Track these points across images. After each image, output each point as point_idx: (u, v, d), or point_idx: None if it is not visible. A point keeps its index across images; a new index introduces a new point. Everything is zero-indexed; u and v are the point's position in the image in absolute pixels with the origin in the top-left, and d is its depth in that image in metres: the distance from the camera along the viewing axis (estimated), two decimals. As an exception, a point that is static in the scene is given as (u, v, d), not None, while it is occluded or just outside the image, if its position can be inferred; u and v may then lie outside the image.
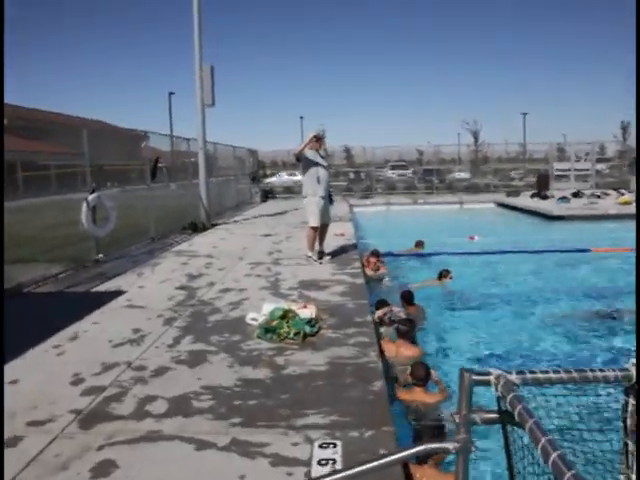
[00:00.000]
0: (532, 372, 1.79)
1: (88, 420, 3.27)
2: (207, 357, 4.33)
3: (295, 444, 2.92)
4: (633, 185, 23.99)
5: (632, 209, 17.21)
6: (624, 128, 44.53)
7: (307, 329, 4.74)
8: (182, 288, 6.84)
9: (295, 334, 4.68)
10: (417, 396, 4.33)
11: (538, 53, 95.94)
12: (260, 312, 5.24)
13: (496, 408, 1.83)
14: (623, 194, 20.50)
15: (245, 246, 10.19)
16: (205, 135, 13.78)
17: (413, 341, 5.44)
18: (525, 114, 48.75)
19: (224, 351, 4.47)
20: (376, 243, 12.11)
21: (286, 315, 4.91)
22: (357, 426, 3.10)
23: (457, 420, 1.82)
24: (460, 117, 79.33)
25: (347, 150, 40.76)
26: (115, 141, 13.48)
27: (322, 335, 4.82)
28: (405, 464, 2.85)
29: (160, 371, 4.05)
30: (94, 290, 6.91)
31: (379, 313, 5.89)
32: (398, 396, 4.40)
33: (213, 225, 13.75)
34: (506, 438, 1.80)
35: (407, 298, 7.00)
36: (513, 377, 1.75)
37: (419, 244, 11.70)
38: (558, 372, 1.79)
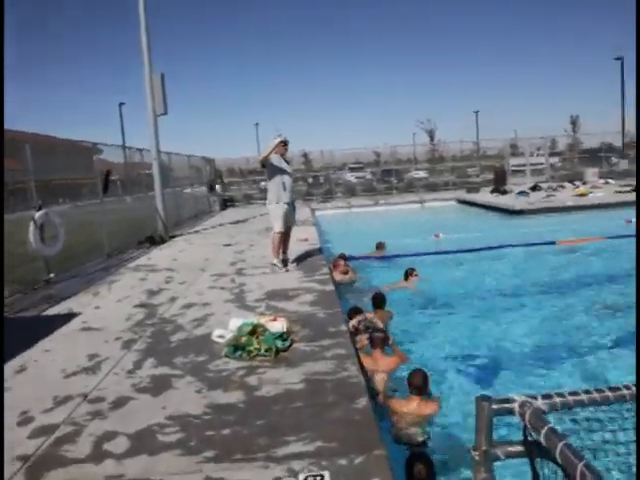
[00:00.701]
0: (560, 395, 1.52)
1: (37, 468, 2.86)
2: (172, 382, 3.96)
3: (277, 479, 2.59)
4: (586, 177, 24.60)
5: (588, 200, 17.58)
6: (573, 122, 45.78)
7: (279, 344, 4.42)
8: (142, 306, 6.41)
9: (266, 350, 4.34)
10: (414, 407, 4.02)
11: (487, 50, 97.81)
12: (227, 328, 4.88)
13: (521, 439, 1.56)
14: (578, 186, 20.93)
15: (207, 257, 9.77)
16: (158, 145, 13.27)
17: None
18: (477, 112, 49.59)
19: (190, 374, 4.09)
20: (341, 246, 11.86)
21: (255, 330, 4.57)
22: (345, 452, 2.80)
23: (476, 457, 1.54)
24: (414, 117, 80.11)
25: (305, 155, 40.51)
26: (64, 155, 12.82)
27: (295, 349, 4.50)
28: None
29: (120, 402, 3.66)
30: (45, 314, 6.40)
31: (353, 322, 5.60)
32: (390, 406, 4.11)
33: (172, 237, 13.23)
34: (535, 474, 1.53)
35: (378, 301, 6.73)
36: (539, 403, 1.48)
37: (380, 246, 11.47)
38: (589, 392, 1.52)
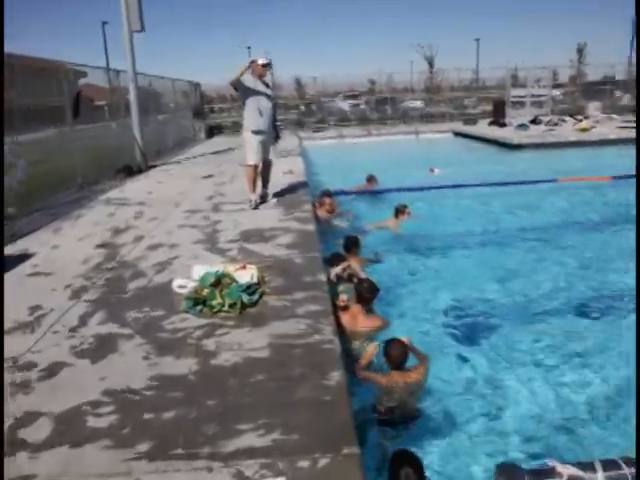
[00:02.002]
0: (629, 461, 0.97)
1: None
2: (118, 344, 3.41)
3: (219, 489, 2.08)
4: (588, 111, 23.59)
5: (591, 136, 16.78)
6: (580, 51, 43.49)
7: (245, 299, 3.85)
8: (103, 246, 5.81)
9: (230, 306, 3.79)
10: (397, 380, 3.50)
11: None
12: (190, 277, 4.32)
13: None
14: (580, 120, 20.01)
15: (183, 190, 9.09)
16: (135, 65, 12.21)
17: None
18: (478, 39, 47.26)
19: (141, 333, 3.54)
20: (329, 180, 11.21)
21: (220, 281, 4.01)
22: (308, 449, 2.28)
23: None
24: (412, 44, 76.67)
25: (297, 81, 38.82)
26: (32, 77, 11.72)
27: (264, 304, 3.95)
28: None
29: (53, 370, 3.11)
30: (-5, 254, 5.77)
31: (337, 270, 4.98)
32: (370, 380, 3.60)
33: (151, 167, 12.46)
34: None
35: (351, 245, 5.96)
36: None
37: (371, 179, 10.73)
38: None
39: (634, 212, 8.11)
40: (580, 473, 1.01)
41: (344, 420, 2.50)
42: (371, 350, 3.74)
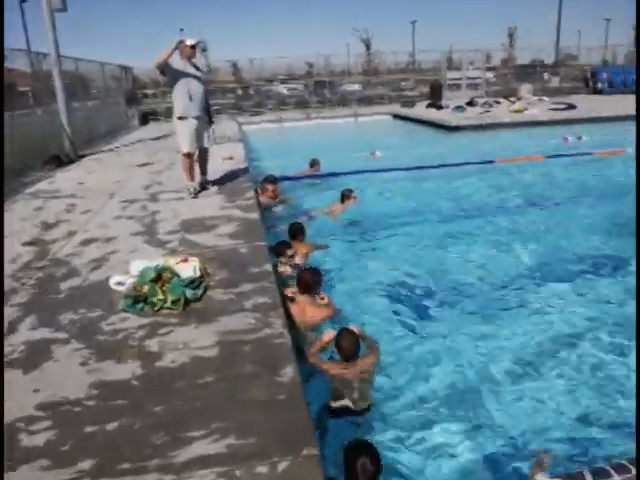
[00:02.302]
0: (621, 468, 0.90)
1: None
2: (52, 351, 3.15)
3: (173, 505, 1.93)
4: (521, 93, 24.33)
5: (524, 117, 17.30)
6: (511, 35, 44.94)
7: (189, 294, 3.66)
8: (32, 243, 5.42)
9: (173, 302, 3.59)
10: (346, 368, 3.42)
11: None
12: (129, 273, 4.07)
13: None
14: (514, 102, 20.58)
15: (118, 179, 8.67)
16: (58, 47, 11.49)
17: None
18: (414, 22, 47.66)
19: (77, 337, 3.30)
20: (270, 165, 11.02)
21: (161, 276, 3.79)
22: (265, 453, 2.16)
23: None
24: (349, 27, 76.61)
25: (234, 65, 37.99)
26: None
27: (209, 298, 3.77)
28: None
29: (-21, 382, 2.84)
30: None
31: (283, 260, 4.84)
32: (318, 365, 3.51)
33: (81, 156, 11.82)
34: None
35: (296, 232, 5.88)
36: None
37: (314, 164, 10.60)
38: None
39: (568, 187, 8.44)
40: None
41: (301, 418, 2.39)
42: (327, 338, 3.65)
